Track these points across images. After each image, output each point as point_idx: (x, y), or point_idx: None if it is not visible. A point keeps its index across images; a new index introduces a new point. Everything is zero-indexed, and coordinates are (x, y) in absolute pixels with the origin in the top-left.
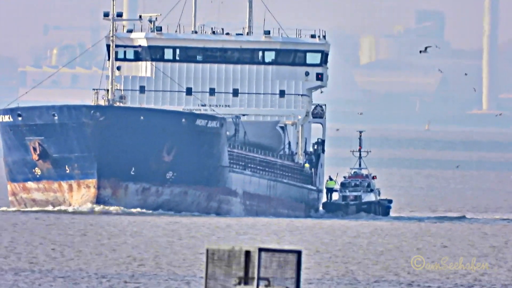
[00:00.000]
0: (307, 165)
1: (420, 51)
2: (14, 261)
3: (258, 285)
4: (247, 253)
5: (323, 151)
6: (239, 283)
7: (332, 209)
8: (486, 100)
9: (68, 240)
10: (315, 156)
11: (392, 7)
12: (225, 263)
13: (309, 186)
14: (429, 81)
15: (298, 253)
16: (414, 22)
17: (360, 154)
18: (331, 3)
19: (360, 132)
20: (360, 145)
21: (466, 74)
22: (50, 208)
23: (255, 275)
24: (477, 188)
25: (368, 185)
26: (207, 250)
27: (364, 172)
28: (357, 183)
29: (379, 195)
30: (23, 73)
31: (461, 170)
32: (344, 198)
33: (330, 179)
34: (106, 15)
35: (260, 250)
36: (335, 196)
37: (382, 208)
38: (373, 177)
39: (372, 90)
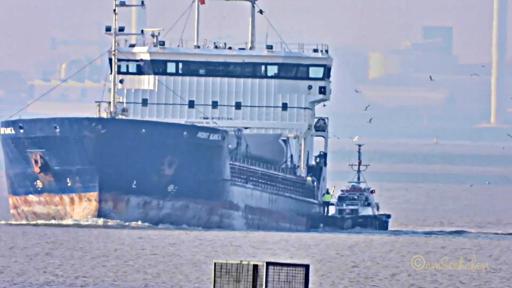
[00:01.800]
0: (309, 178)
1: None
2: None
3: None
4: (255, 267)
5: (325, 164)
6: None
7: (327, 223)
8: (494, 114)
9: (74, 252)
10: (317, 170)
11: (400, 23)
12: (233, 277)
13: (311, 200)
14: (437, 95)
15: (306, 267)
16: (421, 38)
17: (359, 168)
18: (339, 20)
19: (359, 145)
20: (359, 159)
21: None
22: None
23: None
24: (485, 203)
25: (366, 199)
26: (215, 264)
27: (362, 186)
28: (355, 197)
29: (377, 209)
30: (31, 86)
31: (462, 183)
32: (340, 211)
33: (327, 192)
34: (108, 29)
35: (268, 264)
36: (332, 210)
37: (379, 223)
38: (372, 191)
39: (380, 104)
